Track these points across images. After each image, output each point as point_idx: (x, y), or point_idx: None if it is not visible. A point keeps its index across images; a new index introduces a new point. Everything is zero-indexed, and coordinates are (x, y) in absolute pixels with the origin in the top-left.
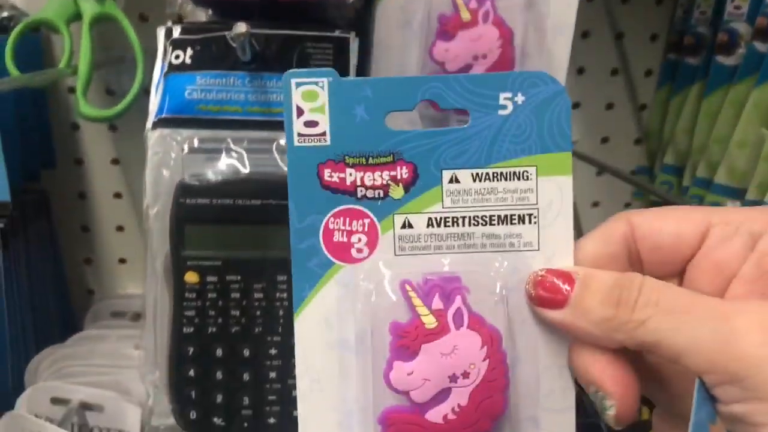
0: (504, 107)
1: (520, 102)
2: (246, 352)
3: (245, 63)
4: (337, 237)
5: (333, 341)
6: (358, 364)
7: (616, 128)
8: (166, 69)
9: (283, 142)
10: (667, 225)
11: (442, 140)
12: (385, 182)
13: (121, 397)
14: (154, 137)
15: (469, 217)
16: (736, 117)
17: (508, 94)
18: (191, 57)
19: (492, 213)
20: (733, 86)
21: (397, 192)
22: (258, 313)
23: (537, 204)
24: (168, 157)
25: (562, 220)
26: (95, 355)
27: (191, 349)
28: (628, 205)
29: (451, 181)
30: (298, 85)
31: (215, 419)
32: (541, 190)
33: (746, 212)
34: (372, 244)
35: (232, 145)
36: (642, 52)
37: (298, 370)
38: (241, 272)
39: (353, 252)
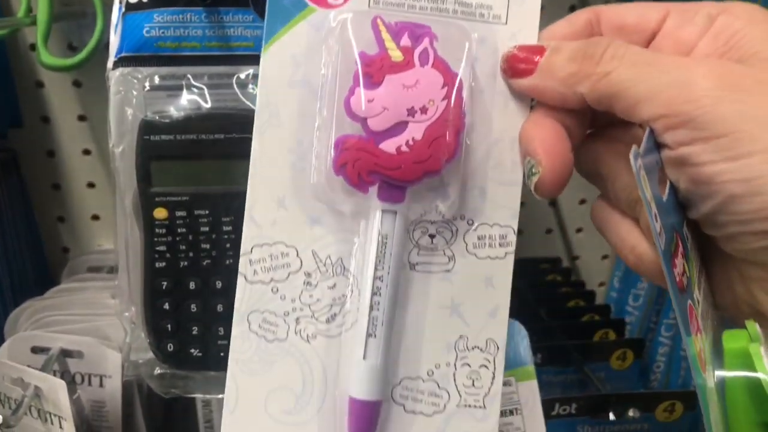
0: None
1: None
2: (218, 284)
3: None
4: None
5: (297, 80)
6: (319, 108)
7: None
8: (124, 9)
9: (242, 75)
10: (629, 10)
11: None
12: None
13: (101, 343)
14: (115, 76)
15: None
16: None
17: None
18: None
19: None
20: None
21: None
22: (228, 245)
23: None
24: (130, 96)
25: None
26: (74, 306)
27: (165, 283)
28: None
29: None
30: None
31: (192, 350)
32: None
33: (703, 2)
34: None
35: (192, 81)
36: None
37: (258, 104)
38: (208, 206)
39: None
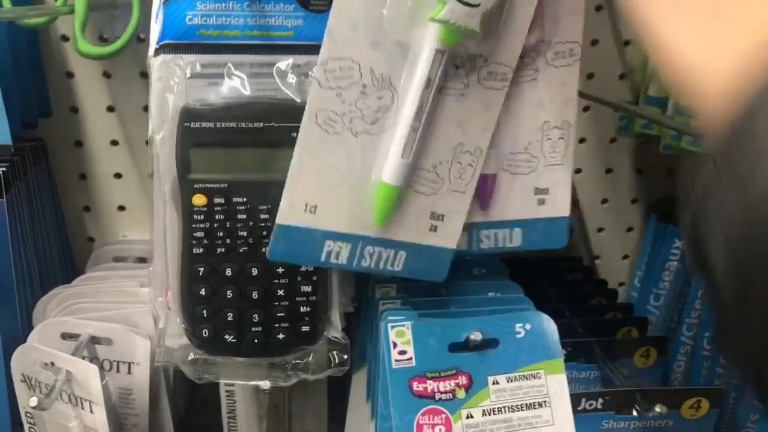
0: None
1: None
2: (254, 271)
3: None
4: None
5: None
6: None
7: (602, 63)
8: None
9: (282, 66)
10: None
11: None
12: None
13: (130, 330)
14: (157, 63)
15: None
16: None
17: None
18: None
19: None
20: None
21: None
22: (264, 233)
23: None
24: (171, 83)
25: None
26: (102, 293)
27: (201, 269)
28: (613, 141)
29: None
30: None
31: (226, 336)
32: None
33: None
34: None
35: (233, 70)
36: None
37: None
38: (246, 194)
39: None
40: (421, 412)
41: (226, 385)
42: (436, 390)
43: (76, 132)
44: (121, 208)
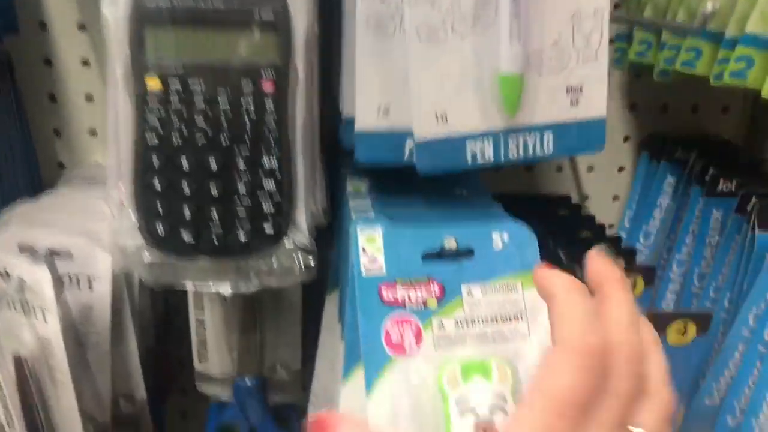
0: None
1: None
2: (213, 164)
3: None
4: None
5: None
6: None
7: None
8: None
9: None
10: None
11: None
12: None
13: (91, 243)
14: None
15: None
16: None
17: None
18: None
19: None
20: None
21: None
22: (224, 123)
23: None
24: None
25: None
26: (65, 209)
27: (156, 161)
28: None
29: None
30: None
31: (183, 235)
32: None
33: None
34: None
35: None
36: None
37: None
38: (206, 79)
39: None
40: (390, 319)
41: (195, 312)
42: (406, 298)
43: (45, 50)
44: (93, 132)
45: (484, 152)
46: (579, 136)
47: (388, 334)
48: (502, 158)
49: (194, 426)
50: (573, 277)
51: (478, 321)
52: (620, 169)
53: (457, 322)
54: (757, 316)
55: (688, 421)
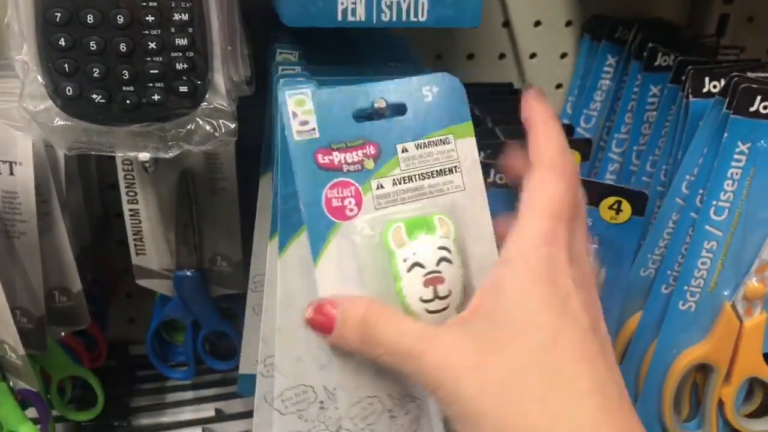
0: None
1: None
2: (120, 19)
3: None
4: (335, 203)
5: None
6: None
7: None
8: None
9: None
10: None
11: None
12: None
13: (8, 125)
14: None
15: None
16: None
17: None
18: None
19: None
20: None
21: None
22: None
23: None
24: None
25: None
26: None
27: (58, 15)
28: None
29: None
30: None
31: (94, 96)
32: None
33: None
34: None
35: None
36: None
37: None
38: None
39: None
40: (329, 185)
41: (129, 204)
42: (343, 162)
43: None
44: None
45: (355, 11)
46: (455, 6)
47: (328, 199)
48: (374, 20)
49: (141, 332)
50: (551, 108)
51: (415, 177)
52: (563, 56)
53: (394, 181)
54: (690, 183)
55: (623, 295)
